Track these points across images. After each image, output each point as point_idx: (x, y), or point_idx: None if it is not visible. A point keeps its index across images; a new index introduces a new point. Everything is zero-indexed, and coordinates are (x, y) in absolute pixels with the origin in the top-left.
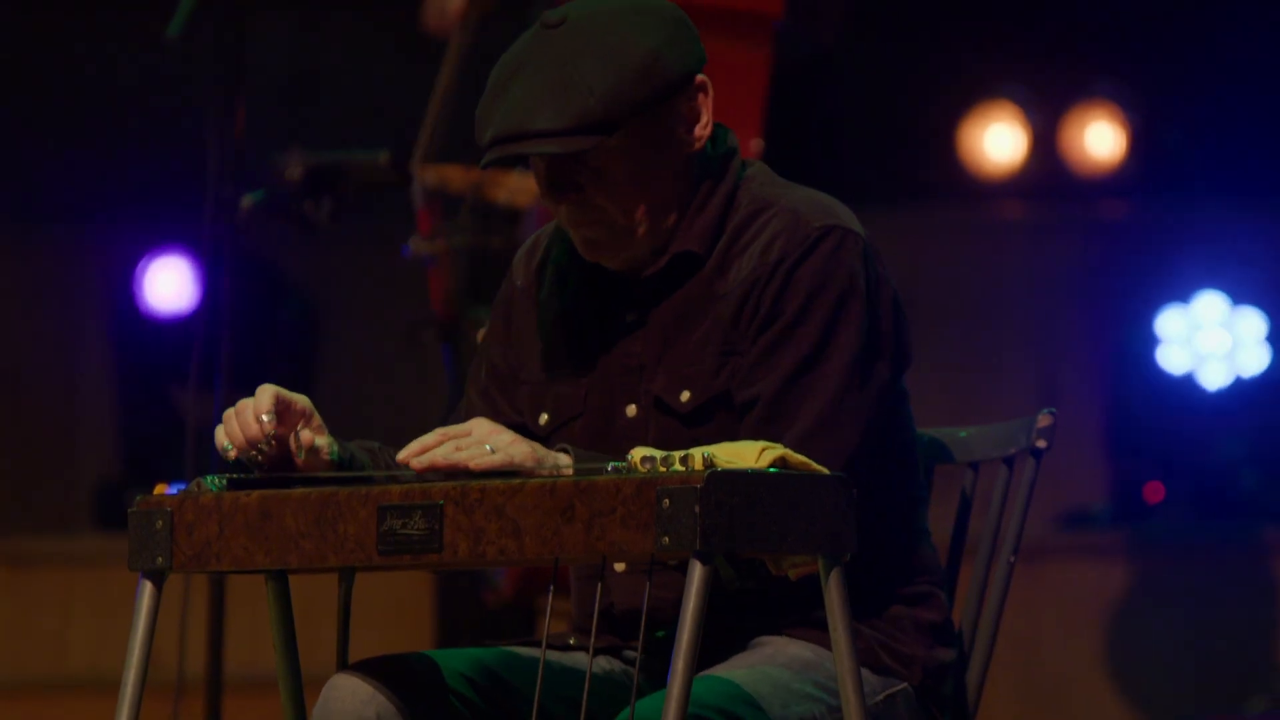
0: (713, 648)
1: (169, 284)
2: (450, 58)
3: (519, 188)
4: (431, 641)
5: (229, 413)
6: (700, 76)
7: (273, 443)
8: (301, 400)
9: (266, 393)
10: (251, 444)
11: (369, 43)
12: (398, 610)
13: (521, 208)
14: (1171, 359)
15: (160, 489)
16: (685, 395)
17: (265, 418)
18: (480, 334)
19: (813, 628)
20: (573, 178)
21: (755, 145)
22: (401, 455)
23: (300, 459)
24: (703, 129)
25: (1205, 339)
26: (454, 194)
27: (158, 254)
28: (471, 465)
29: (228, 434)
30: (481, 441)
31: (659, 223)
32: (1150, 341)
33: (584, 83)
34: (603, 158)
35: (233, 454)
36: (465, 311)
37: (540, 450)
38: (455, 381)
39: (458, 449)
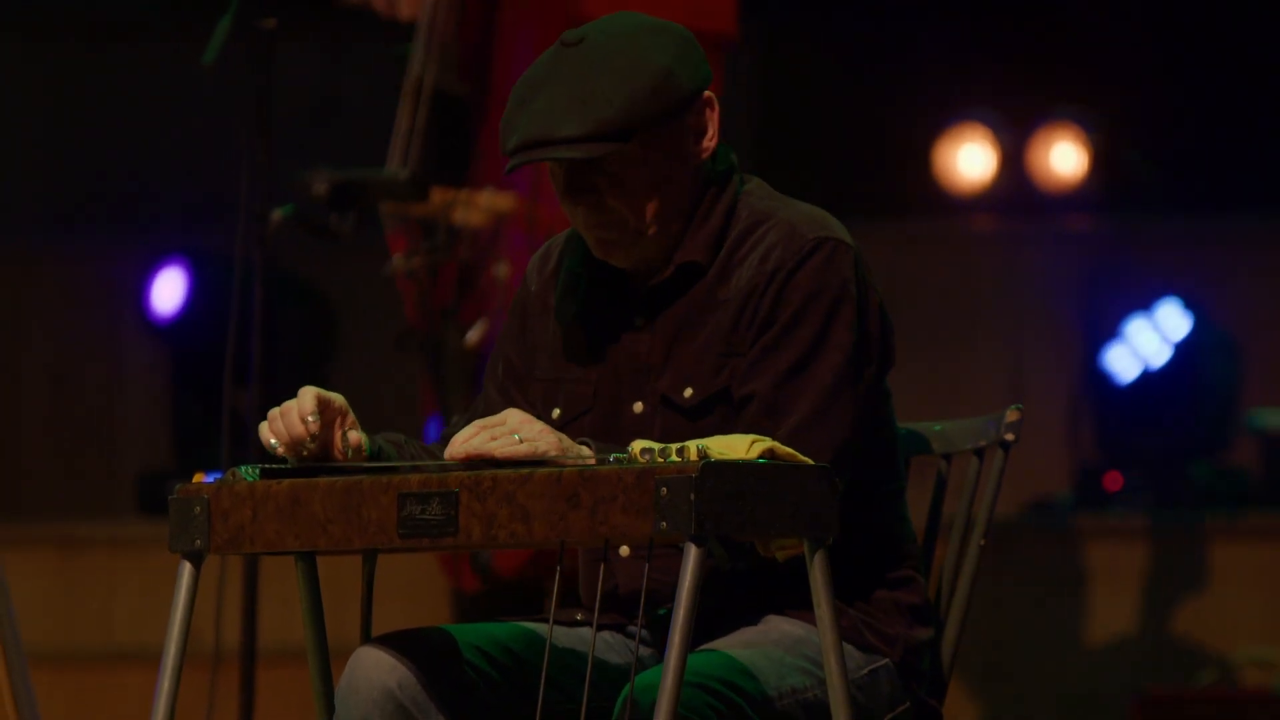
0: (710, 624)
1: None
2: (412, 98)
3: (486, 207)
4: (449, 617)
5: (274, 412)
6: (708, 93)
7: (315, 440)
8: (338, 399)
9: (309, 394)
10: (296, 442)
11: (388, 70)
12: (417, 588)
13: (486, 224)
14: (1119, 361)
15: (199, 478)
16: (689, 392)
17: (310, 419)
18: (470, 336)
19: (803, 607)
20: (590, 181)
21: None
22: (447, 452)
23: (348, 458)
24: (709, 141)
25: (1143, 341)
26: (425, 216)
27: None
28: (497, 454)
29: (273, 432)
30: (513, 431)
31: (667, 225)
32: (1110, 344)
33: (603, 95)
34: (618, 164)
35: (280, 450)
36: (445, 321)
37: (566, 441)
38: (439, 384)
39: (492, 438)
